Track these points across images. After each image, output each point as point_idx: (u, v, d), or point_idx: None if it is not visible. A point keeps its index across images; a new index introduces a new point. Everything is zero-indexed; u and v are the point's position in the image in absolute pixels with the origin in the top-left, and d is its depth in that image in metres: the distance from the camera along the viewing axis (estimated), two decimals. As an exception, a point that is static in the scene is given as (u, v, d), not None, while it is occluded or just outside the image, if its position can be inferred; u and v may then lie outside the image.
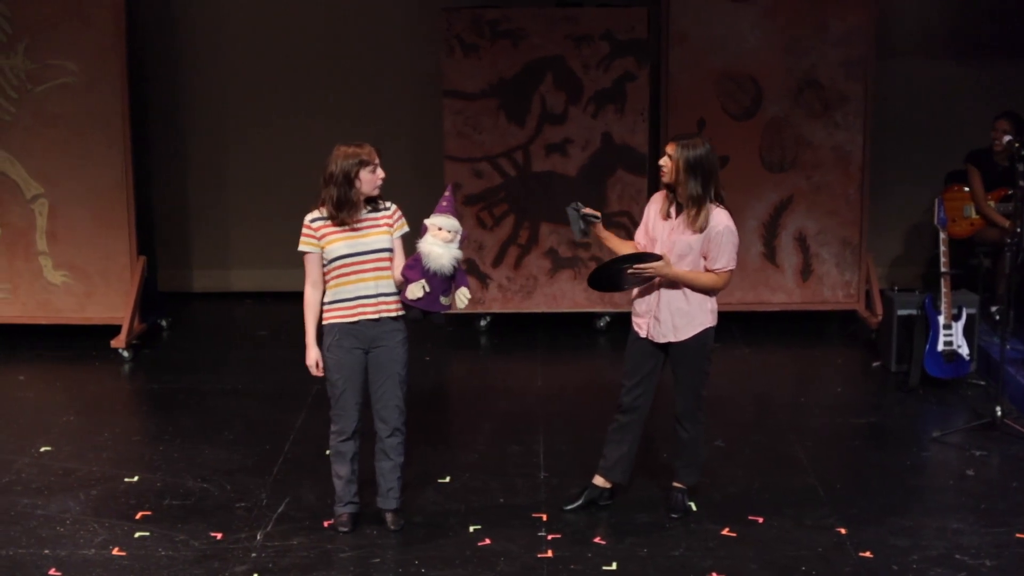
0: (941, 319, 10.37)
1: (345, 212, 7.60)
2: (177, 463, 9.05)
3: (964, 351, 10.39)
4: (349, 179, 7.56)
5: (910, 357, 10.52)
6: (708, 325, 7.93)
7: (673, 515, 8.09)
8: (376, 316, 7.70)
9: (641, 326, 7.96)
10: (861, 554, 7.59)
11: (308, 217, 7.72)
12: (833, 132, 11.93)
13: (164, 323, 12.28)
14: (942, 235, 10.41)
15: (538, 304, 12.15)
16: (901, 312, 10.70)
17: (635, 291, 7.99)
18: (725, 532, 7.88)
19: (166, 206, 13.16)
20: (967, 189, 11.73)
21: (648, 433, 8.47)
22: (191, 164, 13.17)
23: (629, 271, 7.73)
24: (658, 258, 7.69)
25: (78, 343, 11.70)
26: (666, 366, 8.04)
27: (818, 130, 11.95)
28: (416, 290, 7.57)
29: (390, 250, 7.71)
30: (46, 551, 7.70)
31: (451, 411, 10.33)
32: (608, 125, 11.87)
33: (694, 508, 8.19)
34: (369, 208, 7.70)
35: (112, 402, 10.44)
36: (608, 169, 11.91)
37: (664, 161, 7.77)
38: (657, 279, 7.81)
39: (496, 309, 12.16)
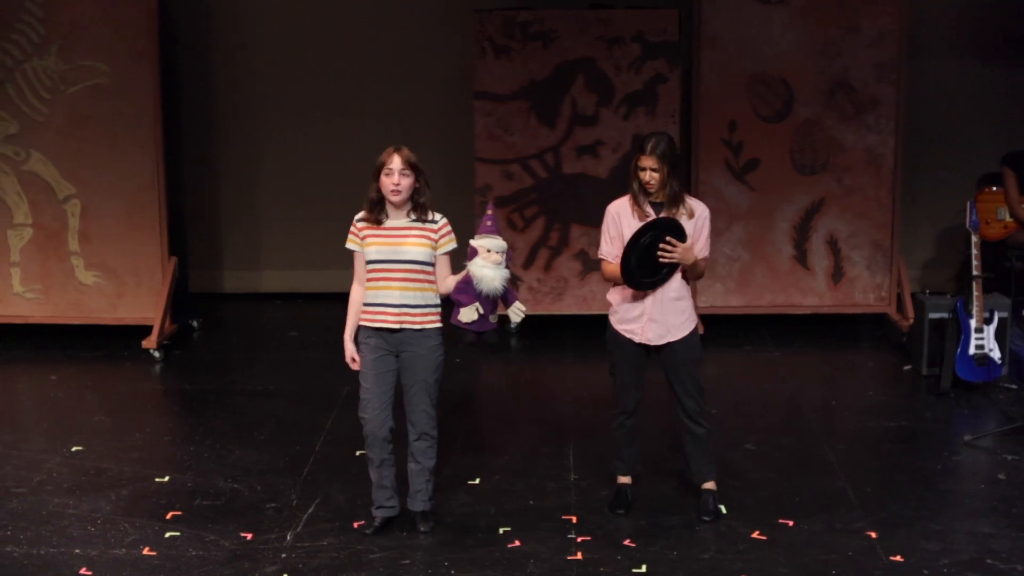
0: (972, 323, 10.33)
1: (376, 210, 7.69)
2: (207, 463, 9.07)
3: (995, 355, 10.35)
4: (375, 178, 7.66)
5: (941, 361, 10.48)
6: (697, 317, 8.07)
7: (705, 518, 8.08)
8: (397, 327, 7.72)
9: (635, 332, 7.95)
10: (891, 558, 7.56)
11: (357, 216, 7.80)
12: (865, 135, 11.90)
13: (195, 324, 12.31)
14: (974, 238, 10.37)
15: (569, 306, 12.14)
16: (932, 315, 10.67)
17: (620, 296, 7.98)
18: (755, 535, 7.86)
19: (197, 207, 13.19)
20: (995, 189, 11.68)
21: (677, 434, 8.46)
22: (223, 165, 13.20)
23: (663, 261, 7.70)
24: (678, 226, 7.71)
25: (109, 343, 11.74)
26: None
27: (850, 133, 11.92)
28: (471, 313, 7.61)
29: (428, 264, 7.71)
30: (77, 550, 7.73)
31: (481, 413, 10.33)
32: (639, 127, 11.86)
33: (724, 511, 8.18)
34: (414, 217, 7.71)
35: (143, 402, 10.46)
36: (639, 171, 11.90)
37: (650, 176, 7.75)
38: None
39: (526, 311, 12.13)
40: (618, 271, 7.86)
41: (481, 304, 7.61)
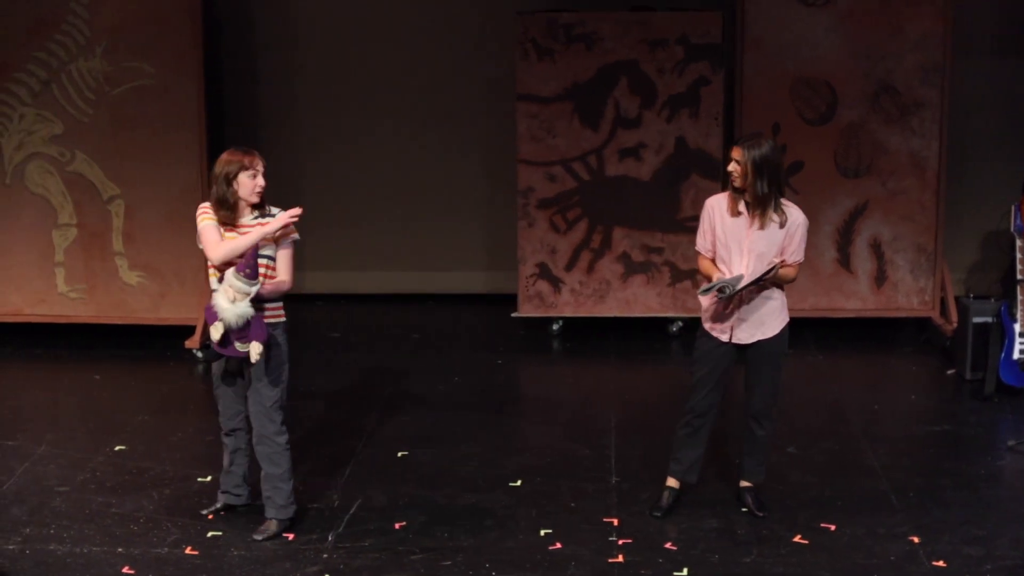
0: (1017, 327, 10.28)
1: (225, 211, 7.70)
2: (249, 463, 9.07)
3: (1040, 359, 10.31)
4: (228, 180, 7.67)
5: (985, 365, 10.43)
6: (787, 319, 8.01)
7: (760, 513, 8.10)
8: None
9: (723, 331, 7.93)
10: (934, 563, 7.53)
11: (205, 208, 7.80)
12: (909, 138, 11.85)
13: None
14: (1019, 242, 10.32)
15: (611, 309, 12.13)
16: (976, 320, 10.61)
17: (711, 296, 7.95)
18: (797, 539, 7.84)
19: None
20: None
21: (720, 435, 8.45)
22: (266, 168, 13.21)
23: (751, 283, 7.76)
24: (777, 266, 7.72)
25: (152, 343, 11.79)
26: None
27: (894, 136, 11.87)
28: (216, 331, 7.61)
29: (268, 257, 7.73)
30: (120, 549, 7.76)
31: (523, 415, 10.33)
32: (682, 129, 11.84)
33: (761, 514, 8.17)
34: (256, 214, 7.77)
35: (185, 402, 10.49)
36: (682, 174, 11.89)
37: (733, 167, 7.78)
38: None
39: (568, 313, 12.14)
40: (711, 267, 7.93)
41: (229, 330, 7.62)
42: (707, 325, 8.02)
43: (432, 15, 12.95)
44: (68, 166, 11.70)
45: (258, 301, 7.65)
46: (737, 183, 7.79)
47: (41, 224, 11.79)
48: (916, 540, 7.82)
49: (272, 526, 7.96)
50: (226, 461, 8.19)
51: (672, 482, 8.26)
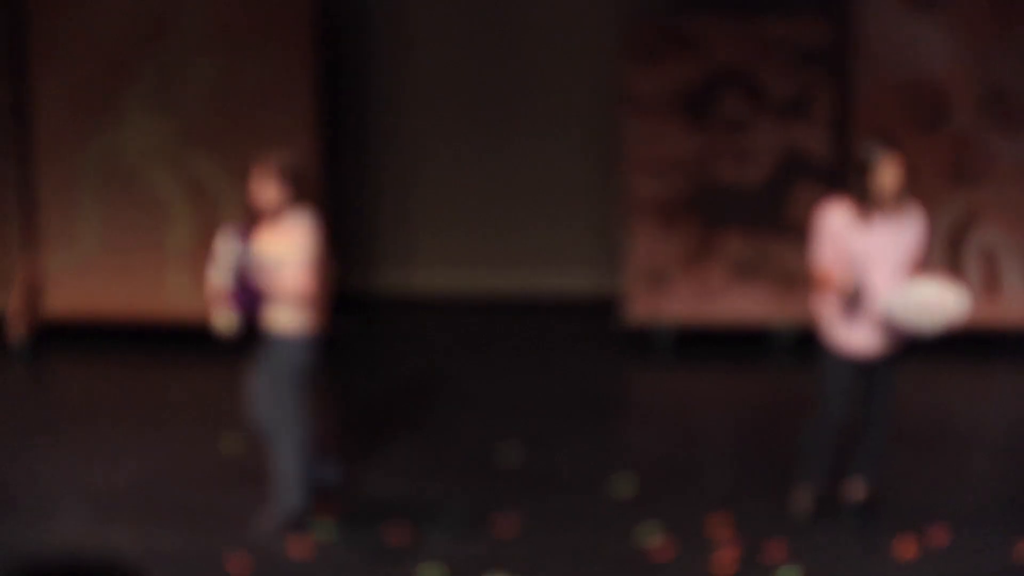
0: None
1: (254, 214, 7.99)
2: (363, 463, 9.15)
3: None
4: None
5: (1098, 376, 10.34)
6: None
7: (869, 521, 8.08)
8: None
9: (850, 340, 7.88)
10: (1045, 575, 7.49)
11: None
12: (1022, 145, 11.73)
13: (353, 324, 12.39)
14: None
15: (719, 314, 12.09)
16: (1090, 330, 10.52)
17: (839, 307, 7.87)
18: (904, 549, 7.79)
19: (354, 208, 13.31)
20: None
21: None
22: (379, 169, 13.31)
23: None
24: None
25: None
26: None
27: (1006, 142, 11.76)
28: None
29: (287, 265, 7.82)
30: (231, 545, 7.85)
31: (630, 422, 10.35)
32: (792, 135, 11.79)
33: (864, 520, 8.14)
34: (278, 221, 7.87)
35: (295, 401, 10.59)
36: (791, 179, 11.84)
37: (896, 175, 7.70)
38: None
39: (676, 318, 12.11)
40: (832, 278, 7.79)
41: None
42: (834, 336, 7.96)
43: (542, 19, 12.99)
44: (183, 166, 11.84)
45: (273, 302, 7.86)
46: (891, 192, 7.71)
47: (155, 223, 11.94)
48: (1027, 551, 7.77)
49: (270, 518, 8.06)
50: None
51: (802, 494, 8.22)
